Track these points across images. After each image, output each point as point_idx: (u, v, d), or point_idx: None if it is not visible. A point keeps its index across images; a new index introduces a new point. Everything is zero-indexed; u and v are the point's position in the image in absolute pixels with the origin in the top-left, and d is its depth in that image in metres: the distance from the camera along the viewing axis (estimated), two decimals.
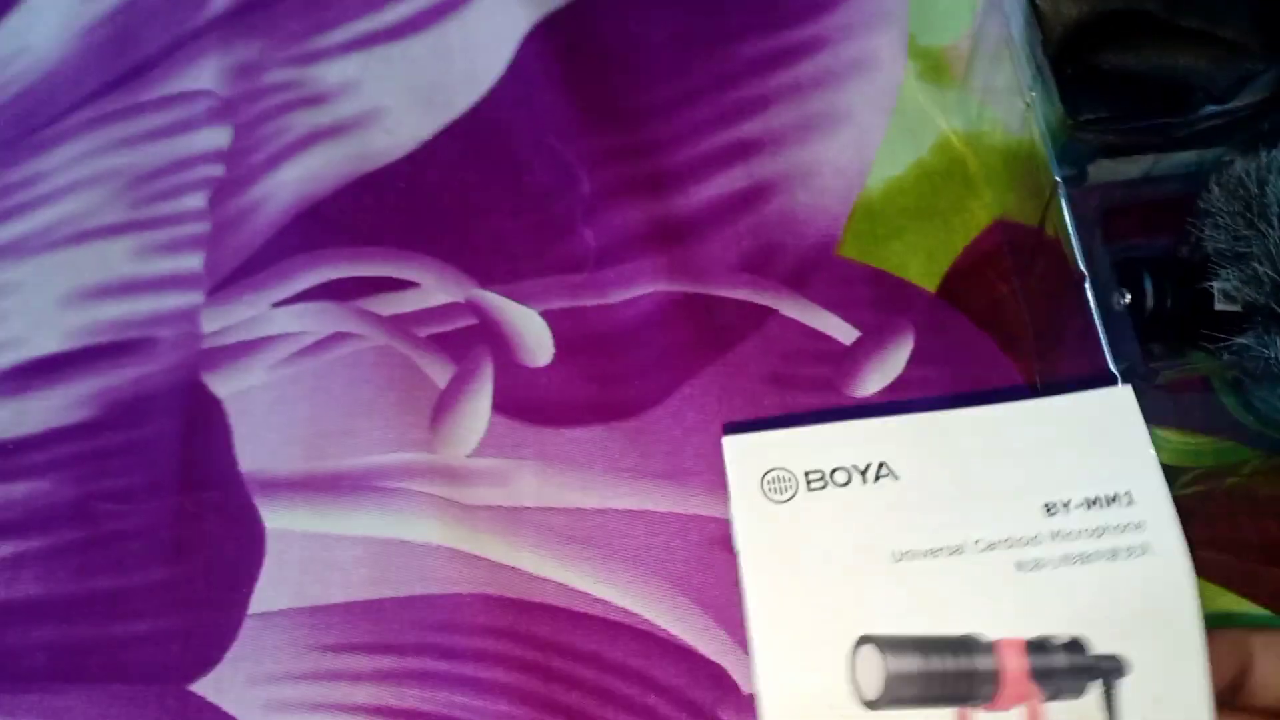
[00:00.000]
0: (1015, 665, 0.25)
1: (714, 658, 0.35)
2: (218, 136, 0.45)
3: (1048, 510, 0.26)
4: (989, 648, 0.25)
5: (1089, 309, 0.31)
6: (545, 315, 0.40)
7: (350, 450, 0.38)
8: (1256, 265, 0.28)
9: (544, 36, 0.44)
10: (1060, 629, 0.25)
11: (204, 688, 0.36)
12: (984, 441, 0.28)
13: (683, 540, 0.36)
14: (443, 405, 0.39)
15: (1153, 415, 0.29)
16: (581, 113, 0.42)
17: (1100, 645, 0.25)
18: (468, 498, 0.37)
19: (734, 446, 0.28)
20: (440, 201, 0.42)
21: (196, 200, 0.44)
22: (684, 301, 0.39)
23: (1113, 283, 0.31)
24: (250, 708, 0.36)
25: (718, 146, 0.42)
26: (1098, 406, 0.27)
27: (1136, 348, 0.30)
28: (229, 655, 0.36)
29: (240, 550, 0.38)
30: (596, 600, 0.36)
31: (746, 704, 0.34)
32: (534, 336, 0.39)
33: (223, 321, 0.41)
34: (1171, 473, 0.29)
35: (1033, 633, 0.25)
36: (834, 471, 0.28)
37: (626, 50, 0.44)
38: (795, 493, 0.28)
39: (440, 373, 0.39)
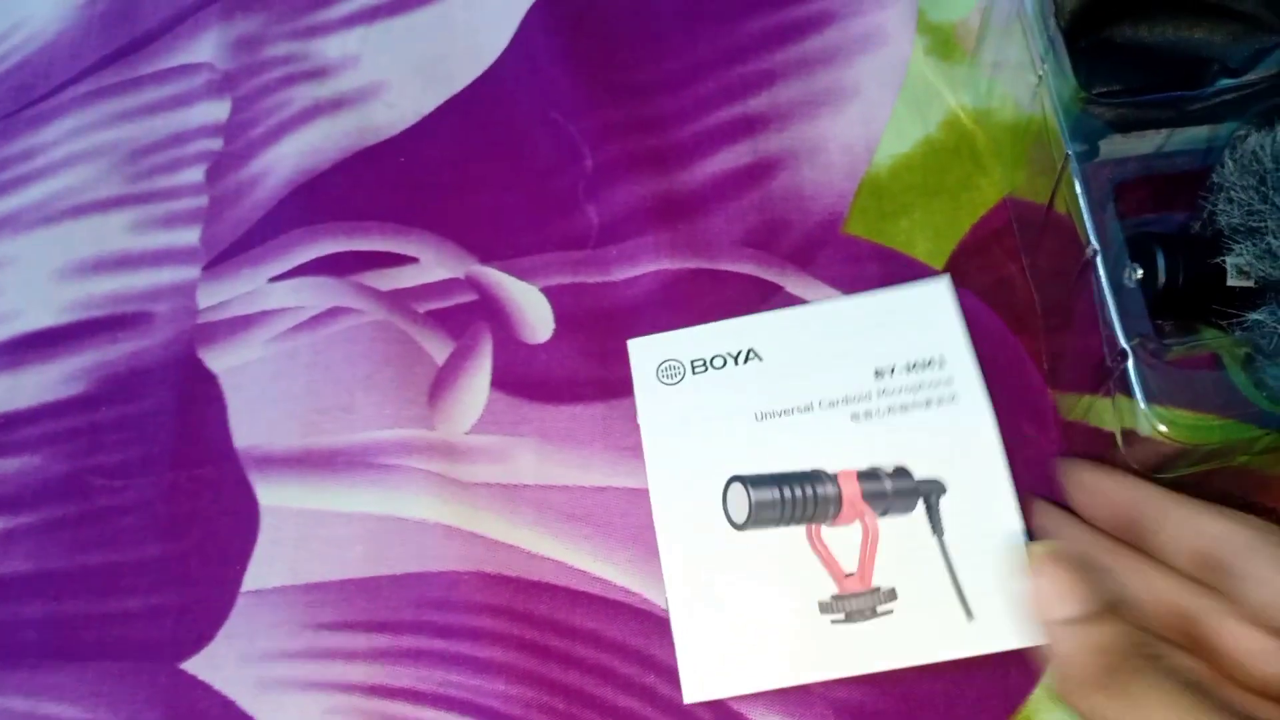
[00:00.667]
0: (851, 490, 0.31)
1: None
2: (216, 110, 0.45)
3: (877, 375, 0.33)
4: (832, 478, 0.32)
5: (1099, 285, 0.30)
6: (546, 291, 0.39)
7: (347, 426, 0.38)
8: (1271, 240, 0.27)
9: (548, 10, 0.44)
10: (888, 461, 0.32)
11: (196, 666, 0.36)
12: (830, 327, 0.34)
13: None
14: (441, 381, 0.38)
15: (1163, 393, 0.28)
16: (585, 87, 0.42)
17: (923, 472, 0.31)
18: (466, 475, 0.37)
19: (636, 346, 0.36)
20: (441, 176, 0.41)
21: (194, 174, 0.44)
22: (688, 278, 0.39)
23: (1124, 258, 0.30)
24: (243, 686, 0.35)
25: (723, 122, 0.41)
26: (920, 295, 0.34)
27: (1148, 323, 0.29)
28: (222, 633, 0.36)
29: (234, 527, 0.37)
30: (595, 579, 0.35)
31: None
32: (535, 312, 0.39)
33: (219, 296, 0.41)
34: (1182, 452, 0.29)
35: (865, 465, 0.32)
36: (713, 358, 0.35)
37: (631, 24, 0.43)
38: (683, 377, 0.35)
39: (439, 349, 0.39)
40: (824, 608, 0.31)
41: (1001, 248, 0.38)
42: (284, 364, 0.39)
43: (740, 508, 0.32)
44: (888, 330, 0.34)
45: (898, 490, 0.31)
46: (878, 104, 0.41)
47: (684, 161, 0.41)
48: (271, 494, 0.37)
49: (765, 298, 0.38)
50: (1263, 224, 0.28)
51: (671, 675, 0.34)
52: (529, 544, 0.36)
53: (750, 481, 0.32)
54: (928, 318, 0.33)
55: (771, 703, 0.33)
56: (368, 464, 0.37)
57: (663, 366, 0.35)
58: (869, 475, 0.32)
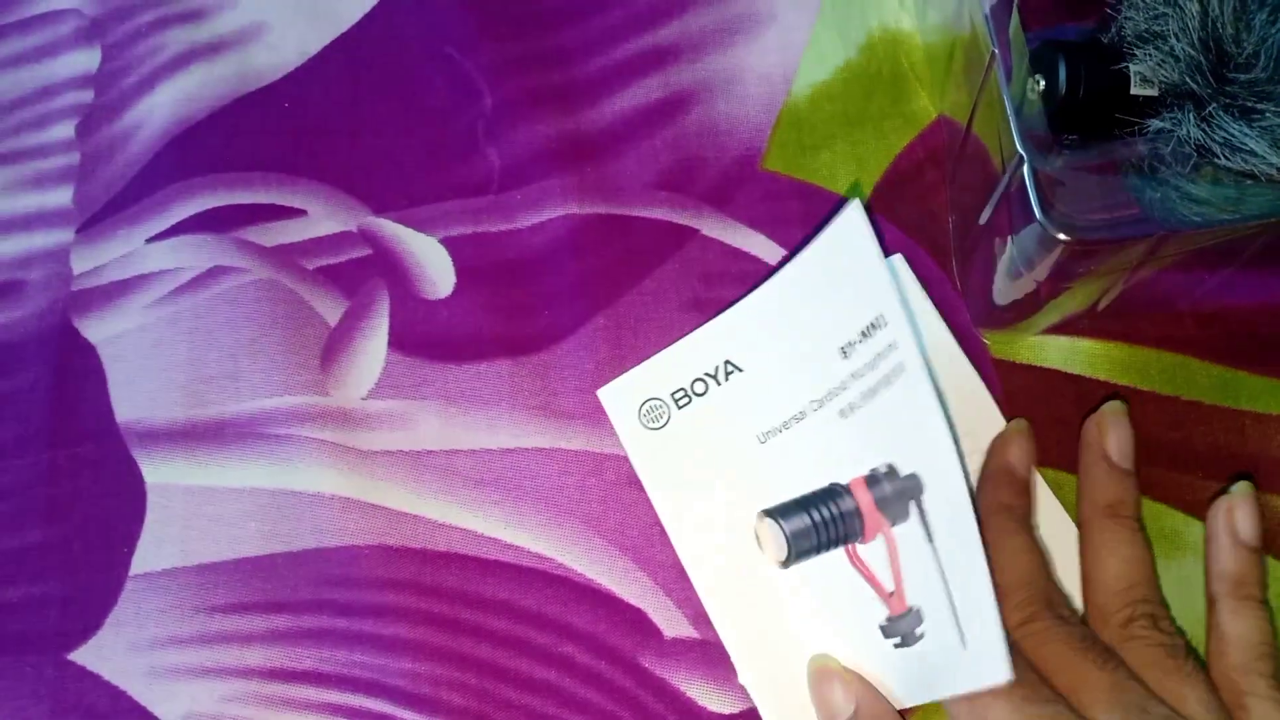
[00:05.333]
0: (866, 499, 0.27)
1: (633, 601, 0.32)
2: (86, 59, 0.41)
3: (844, 353, 0.28)
4: (847, 490, 0.28)
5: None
6: (446, 242, 0.36)
7: (234, 395, 0.35)
8: (1174, 42, 0.26)
9: None
10: (876, 460, 0.27)
11: (84, 656, 0.33)
12: (787, 307, 0.30)
13: (597, 479, 0.33)
14: (334, 343, 0.36)
15: (1066, 204, 0.27)
16: (482, 19, 0.39)
17: (901, 467, 0.27)
18: (364, 442, 0.34)
19: (609, 394, 0.32)
20: (329, 122, 0.38)
21: (65, 129, 0.40)
22: (597, 224, 0.36)
23: (1025, 67, 0.28)
24: (133, 676, 0.33)
25: (632, 54, 0.38)
26: (837, 232, 0.28)
27: (1046, 132, 0.27)
28: (110, 620, 0.34)
29: (119, 507, 0.35)
30: (507, 546, 0.33)
31: (669, 648, 0.32)
32: (434, 266, 0.36)
33: (95, 260, 0.38)
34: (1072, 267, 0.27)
35: (864, 469, 0.28)
36: (693, 384, 0.31)
37: None
38: (669, 416, 0.31)
39: (331, 308, 0.36)
40: (885, 631, 0.27)
41: (925, 178, 0.36)
42: (165, 331, 0.36)
43: (778, 543, 0.28)
44: (835, 290, 0.28)
45: (896, 492, 0.27)
46: (795, 29, 0.38)
47: (591, 98, 0.38)
48: (157, 471, 0.35)
49: (680, 243, 0.36)
50: (1165, 28, 0.26)
51: (589, 642, 0.32)
52: (434, 513, 0.34)
53: (778, 512, 0.28)
54: (855, 263, 0.28)
55: (694, 665, 0.31)
56: (258, 435, 0.35)
57: (644, 409, 0.32)
58: (872, 480, 0.27)
